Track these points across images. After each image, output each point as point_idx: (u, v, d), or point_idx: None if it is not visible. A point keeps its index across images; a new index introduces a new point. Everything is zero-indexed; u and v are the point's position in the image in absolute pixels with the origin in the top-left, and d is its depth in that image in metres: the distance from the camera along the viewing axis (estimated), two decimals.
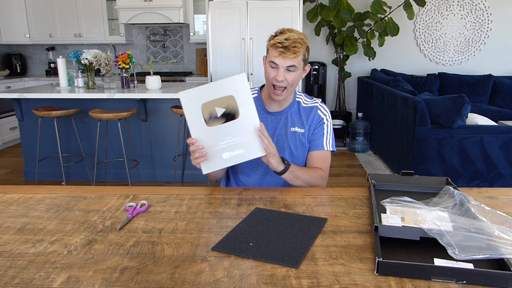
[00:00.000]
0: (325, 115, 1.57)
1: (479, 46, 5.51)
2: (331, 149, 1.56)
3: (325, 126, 1.56)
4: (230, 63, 4.60)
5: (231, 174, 1.63)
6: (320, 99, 1.62)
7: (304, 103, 1.58)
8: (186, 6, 5.10)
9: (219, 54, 4.58)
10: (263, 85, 1.58)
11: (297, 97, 1.59)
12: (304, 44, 1.41)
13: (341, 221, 1.13)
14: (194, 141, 1.28)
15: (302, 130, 1.54)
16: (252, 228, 1.07)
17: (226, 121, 1.27)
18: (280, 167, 1.37)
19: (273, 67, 1.42)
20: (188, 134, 1.25)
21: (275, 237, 1.02)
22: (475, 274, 0.83)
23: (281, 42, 1.38)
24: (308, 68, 1.51)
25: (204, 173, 1.30)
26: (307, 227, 1.08)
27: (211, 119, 1.27)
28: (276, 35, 1.42)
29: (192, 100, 1.26)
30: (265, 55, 1.48)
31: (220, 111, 1.27)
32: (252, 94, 1.58)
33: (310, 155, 1.55)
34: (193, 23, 5.26)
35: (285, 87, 1.44)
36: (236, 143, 1.29)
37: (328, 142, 1.55)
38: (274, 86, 1.44)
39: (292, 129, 1.54)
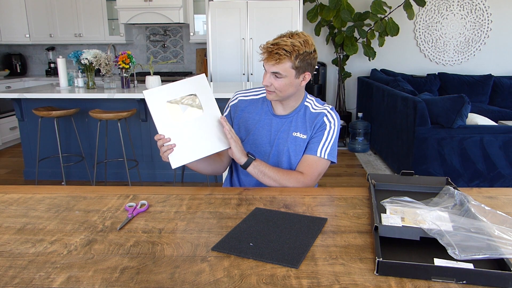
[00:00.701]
0: (330, 122, 1.48)
1: (479, 46, 5.51)
2: (325, 157, 1.46)
3: (326, 132, 1.47)
4: (230, 63, 4.60)
5: (234, 172, 1.62)
6: (332, 106, 1.53)
7: (312, 108, 1.52)
8: (186, 6, 5.10)
9: (219, 54, 4.58)
10: None
11: (306, 102, 1.53)
12: (293, 52, 1.32)
13: (341, 221, 1.13)
14: (161, 137, 1.29)
15: (304, 136, 1.49)
16: (252, 228, 1.07)
17: (191, 117, 1.32)
18: (242, 158, 1.38)
19: (265, 69, 1.41)
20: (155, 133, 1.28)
21: (275, 237, 1.02)
22: (475, 274, 0.83)
23: (266, 47, 1.35)
24: (308, 76, 1.42)
25: (173, 167, 1.31)
26: (307, 227, 1.08)
27: (175, 115, 1.31)
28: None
29: (157, 98, 1.30)
30: None
31: (184, 108, 1.32)
32: (262, 94, 1.57)
33: (301, 158, 1.49)
34: (193, 23, 5.26)
35: (273, 91, 1.42)
36: (201, 137, 1.34)
37: (325, 149, 1.46)
38: None
39: (294, 134, 1.49)
